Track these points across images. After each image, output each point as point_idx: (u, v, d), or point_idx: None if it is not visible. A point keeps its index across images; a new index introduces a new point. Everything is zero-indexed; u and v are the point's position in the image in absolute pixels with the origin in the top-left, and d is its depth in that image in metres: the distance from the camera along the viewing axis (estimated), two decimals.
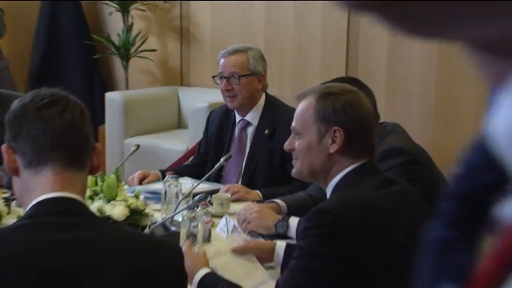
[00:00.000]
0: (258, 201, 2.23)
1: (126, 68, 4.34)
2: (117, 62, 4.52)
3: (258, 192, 2.33)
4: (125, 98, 3.93)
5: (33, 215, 1.26)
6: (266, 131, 2.51)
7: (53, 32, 4.40)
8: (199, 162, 2.64)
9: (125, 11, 4.31)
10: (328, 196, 1.60)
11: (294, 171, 1.69)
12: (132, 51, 4.25)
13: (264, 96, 2.56)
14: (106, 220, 1.79)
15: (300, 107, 1.63)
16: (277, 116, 2.53)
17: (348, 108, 1.57)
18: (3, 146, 1.26)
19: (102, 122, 4.01)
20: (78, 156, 1.28)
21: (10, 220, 2.02)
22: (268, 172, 2.49)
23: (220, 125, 2.62)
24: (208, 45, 4.36)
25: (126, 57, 4.29)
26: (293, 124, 1.65)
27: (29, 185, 1.29)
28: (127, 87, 4.38)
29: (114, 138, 3.86)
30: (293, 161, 1.67)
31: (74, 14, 4.41)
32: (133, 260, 1.27)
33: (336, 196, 1.58)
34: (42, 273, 1.22)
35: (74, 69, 4.40)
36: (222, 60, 2.52)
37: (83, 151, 1.28)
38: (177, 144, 3.77)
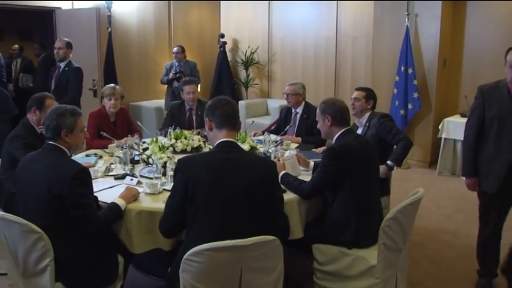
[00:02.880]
0: (299, 145, 4.34)
1: (246, 91, 8.62)
2: (243, 89, 8.74)
3: (299, 138, 4.52)
4: (246, 103, 7.99)
5: (218, 147, 2.43)
6: (305, 116, 4.76)
7: (220, 74, 8.68)
8: (277, 129, 5.05)
9: (246, 68, 8.50)
10: (333, 143, 3.04)
11: (322, 135, 3.16)
12: (249, 84, 8.36)
13: (304, 102, 4.81)
14: (243, 149, 2.71)
15: (317, 109, 3.12)
16: (308, 110, 4.73)
17: (329, 106, 2.99)
18: (207, 119, 2.45)
19: None
20: (235, 125, 2.47)
21: (205, 149, 3.97)
22: (305, 131, 4.65)
23: (285, 114, 5.03)
24: (279, 77, 8.16)
25: (246, 87, 8.55)
26: (316, 117, 3.13)
27: (216, 135, 2.45)
28: (247, 98, 8.45)
29: (242, 118, 7.41)
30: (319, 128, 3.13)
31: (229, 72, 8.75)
32: (257, 165, 2.43)
33: (336, 142, 2.98)
34: (220, 170, 2.31)
35: (226, 90, 8.42)
36: (286, 87, 4.83)
37: (236, 123, 2.47)
38: (267, 121, 7.21)
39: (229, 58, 9.00)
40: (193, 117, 4.79)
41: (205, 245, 2.03)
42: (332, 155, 2.89)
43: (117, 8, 7.68)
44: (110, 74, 7.19)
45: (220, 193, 2.25)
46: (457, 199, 5.47)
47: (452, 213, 5.04)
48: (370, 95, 4.09)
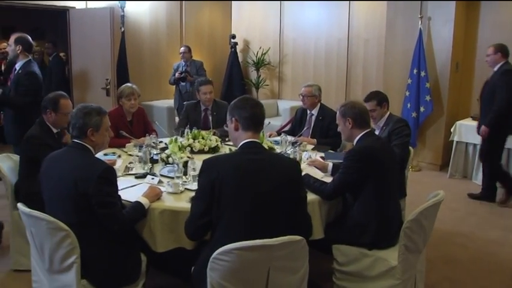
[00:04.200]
0: (314, 147, 4.39)
1: (257, 91, 8.51)
2: (254, 90, 8.80)
3: (315, 140, 4.56)
4: None
5: (242, 148, 2.44)
6: (320, 117, 4.77)
7: (230, 75, 8.73)
8: (291, 130, 5.05)
9: (258, 69, 8.55)
10: (354, 145, 3.07)
11: (343, 138, 3.21)
12: (259, 85, 8.41)
13: (319, 104, 4.83)
14: (267, 150, 2.95)
15: (337, 112, 3.16)
16: (324, 112, 4.76)
17: (349, 109, 3.04)
18: (234, 119, 2.43)
19: None
20: (261, 127, 2.49)
21: (222, 150, 4.07)
22: (320, 133, 4.68)
23: (301, 115, 5.05)
24: (290, 79, 8.51)
25: (257, 88, 8.59)
26: (336, 121, 3.17)
27: (241, 136, 2.45)
28: (257, 99, 9.22)
29: None
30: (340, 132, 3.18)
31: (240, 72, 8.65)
32: (282, 165, 2.43)
33: (357, 144, 3.04)
34: (246, 171, 2.32)
35: (237, 91, 8.44)
36: (302, 89, 4.82)
37: (263, 125, 2.51)
38: (277, 122, 7.20)
39: (240, 59, 9.05)
40: (210, 117, 4.81)
41: (235, 244, 2.05)
42: (354, 156, 2.92)
43: (130, 8, 7.72)
44: (122, 73, 7.22)
45: (247, 194, 2.27)
46: (469, 202, 5.50)
47: (465, 216, 5.06)
48: (381, 99, 4.05)
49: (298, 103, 7.62)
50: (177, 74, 7.44)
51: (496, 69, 5.30)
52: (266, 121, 5.50)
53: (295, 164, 2.51)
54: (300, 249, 2.20)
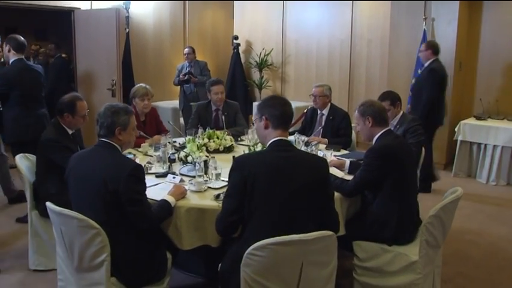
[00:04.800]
0: (327, 146, 4.36)
1: (260, 92, 8.61)
2: (256, 91, 8.78)
3: (326, 139, 4.55)
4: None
5: (272, 146, 2.49)
6: (330, 117, 4.83)
7: (233, 76, 8.75)
8: (302, 129, 5.01)
9: (260, 70, 8.58)
10: (374, 143, 3.10)
11: (363, 138, 3.24)
12: (262, 85, 8.40)
13: (329, 103, 4.88)
14: (297, 148, 2.91)
15: (356, 111, 3.21)
16: (334, 111, 4.82)
17: (368, 107, 3.09)
18: (264, 117, 2.49)
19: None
20: (288, 125, 2.55)
21: (237, 149, 4.13)
22: (330, 133, 4.71)
23: (311, 115, 5.04)
24: (293, 79, 8.63)
25: (260, 88, 8.62)
26: (354, 120, 3.27)
27: (270, 134, 2.51)
28: (260, 99, 9.34)
29: None
30: (359, 131, 3.23)
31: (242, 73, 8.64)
32: (312, 163, 2.48)
33: (377, 143, 3.08)
34: (277, 168, 2.38)
35: (240, 91, 8.56)
36: (313, 89, 4.87)
37: (290, 122, 2.58)
38: None
39: (243, 60, 9.10)
40: (222, 117, 4.84)
41: (270, 239, 2.10)
42: (375, 154, 2.99)
43: (134, 9, 7.74)
44: (127, 74, 7.24)
45: (279, 191, 2.32)
46: (475, 200, 5.58)
47: (473, 214, 5.13)
48: (394, 99, 4.12)
49: (301, 103, 7.82)
50: (181, 76, 7.46)
51: (426, 65, 5.68)
52: None
53: (324, 162, 2.55)
54: (331, 243, 2.26)
